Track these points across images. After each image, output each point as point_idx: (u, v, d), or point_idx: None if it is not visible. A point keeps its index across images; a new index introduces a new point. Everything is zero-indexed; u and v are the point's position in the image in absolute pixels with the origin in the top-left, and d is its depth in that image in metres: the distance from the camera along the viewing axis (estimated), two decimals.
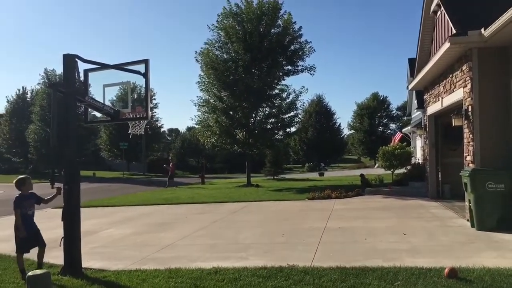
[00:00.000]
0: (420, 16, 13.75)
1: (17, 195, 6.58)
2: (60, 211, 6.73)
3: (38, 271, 5.14)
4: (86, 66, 7.51)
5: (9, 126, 55.53)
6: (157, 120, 59.97)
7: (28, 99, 57.69)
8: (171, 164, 29.13)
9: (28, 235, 6.48)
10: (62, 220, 6.63)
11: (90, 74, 7.71)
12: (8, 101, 57.46)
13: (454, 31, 9.63)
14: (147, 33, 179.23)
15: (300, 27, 24.55)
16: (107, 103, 7.64)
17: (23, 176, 6.91)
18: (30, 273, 5.09)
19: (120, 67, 7.13)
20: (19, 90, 58.06)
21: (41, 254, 6.67)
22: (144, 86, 7.30)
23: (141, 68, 7.11)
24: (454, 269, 5.57)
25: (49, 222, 11.79)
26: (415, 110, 27.91)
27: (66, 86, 6.59)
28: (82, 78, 7.56)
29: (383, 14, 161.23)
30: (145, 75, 6.98)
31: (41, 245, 6.66)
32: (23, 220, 6.48)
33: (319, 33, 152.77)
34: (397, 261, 6.38)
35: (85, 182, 34.71)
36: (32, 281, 4.96)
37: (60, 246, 6.61)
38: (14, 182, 6.71)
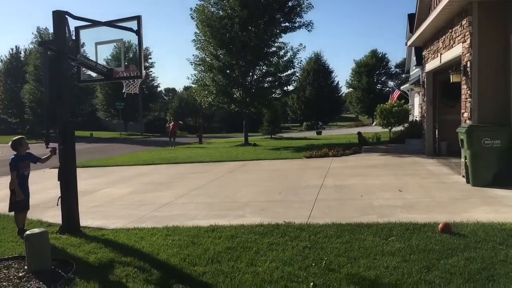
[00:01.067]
0: None
1: (13, 156, 6.57)
2: (57, 171, 6.73)
3: (36, 230, 5.16)
4: (77, 23, 7.34)
5: (4, 87, 55.01)
6: (153, 80, 59.51)
7: (22, 59, 56.88)
8: (172, 123, 29.03)
9: (25, 197, 6.56)
10: (58, 180, 6.64)
11: (82, 32, 7.51)
12: (1, 61, 56.68)
13: None
14: None
15: None
16: (102, 62, 7.50)
17: (18, 136, 6.91)
18: (28, 232, 5.12)
19: (112, 24, 6.95)
20: (12, 49, 57.15)
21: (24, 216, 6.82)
22: (137, 43, 7.13)
23: (133, 25, 6.91)
24: (448, 224, 5.63)
25: (47, 181, 11.85)
26: (414, 67, 27.59)
27: (56, 44, 6.43)
28: (74, 36, 7.40)
29: None
30: (138, 32, 6.80)
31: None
32: (20, 181, 6.52)
33: None
34: (392, 217, 6.45)
35: (82, 143, 34.78)
36: (30, 239, 4.99)
37: (57, 205, 6.65)
38: (9, 143, 6.69)
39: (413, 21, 15.89)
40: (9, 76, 54.89)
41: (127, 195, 9.95)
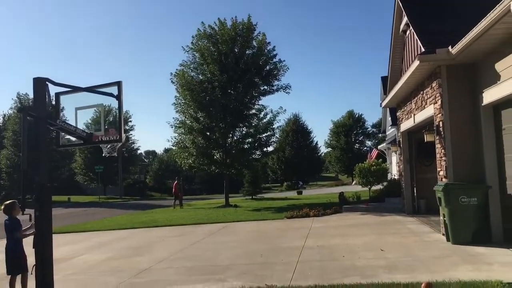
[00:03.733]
0: (390, 35, 14.09)
1: (7, 220, 6.72)
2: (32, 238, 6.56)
3: None
4: (58, 89, 7.43)
5: None
6: (133, 143, 59.41)
7: (0, 124, 56.52)
8: (175, 183, 28.60)
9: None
10: (33, 247, 6.44)
11: (62, 98, 7.57)
12: None
13: (423, 49, 9.88)
14: (121, 55, 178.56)
15: (274, 47, 24.85)
16: (82, 126, 7.51)
17: (11, 201, 7.00)
18: None
19: (92, 89, 7.04)
20: None
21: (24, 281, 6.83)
22: (117, 108, 7.22)
23: (114, 90, 7.01)
24: (430, 284, 5.61)
25: (27, 247, 11.45)
26: (390, 127, 28.35)
27: (36, 110, 6.46)
28: (54, 102, 7.47)
29: (357, 32, 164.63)
30: (118, 97, 6.89)
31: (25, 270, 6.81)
32: (18, 243, 6.71)
33: (293, 51, 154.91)
34: (374, 277, 6.40)
35: (60, 208, 34.01)
36: None
37: (31, 274, 6.41)
38: (2, 208, 6.86)
39: (386, 83, 16.54)
40: None
41: (105, 261, 9.66)
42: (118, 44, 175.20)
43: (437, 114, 9.75)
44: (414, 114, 12.15)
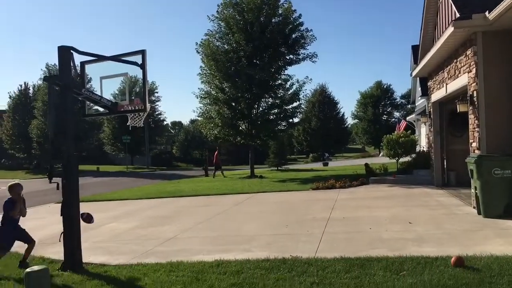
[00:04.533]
0: (423, 1, 13.50)
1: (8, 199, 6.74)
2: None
3: (36, 267, 5.04)
4: (83, 58, 7.40)
5: (12, 122, 55.52)
6: (160, 114, 59.94)
7: (30, 95, 57.63)
8: (215, 153, 28.62)
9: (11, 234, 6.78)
10: (61, 215, 6.55)
11: (89, 67, 7.57)
12: (10, 97, 57.43)
13: (458, 15, 9.41)
14: (148, 26, 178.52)
15: (300, 15, 24.30)
16: (109, 96, 7.51)
17: (14, 182, 7.02)
18: (28, 269, 5.00)
19: (116, 58, 7.00)
20: (21, 85, 58.00)
21: (28, 250, 6.93)
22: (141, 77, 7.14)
23: (138, 59, 6.96)
24: (461, 258, 5.44)
25: (52, 216, 11.72)
26: (419, 98, 27.63)
27: (61, 79, 6.45)
28: (79, 71, 7.44)
29: (385, 2, 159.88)
30: (142, 66, 6.83)
31: (30, 242, 6.91)
32: (10, 223, 6.72)
33: (321, 22, 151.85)
34: (402, 250, 6.25)
35: (89, 177, 34.79)
36: (30, 277, 4.86)
37: (60, 241, 6.54)
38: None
39: (417, 52, 15.97)
40: (18, 112, 55.50)
41: (132, 229, 9.80)
42: (144, 15, 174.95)
43: (471, 83, 9.35)
44: (446, 84, 11.72)
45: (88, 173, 40.37)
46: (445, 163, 13.79)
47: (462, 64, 10.08)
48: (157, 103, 58.26)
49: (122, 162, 56.02)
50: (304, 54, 24.77)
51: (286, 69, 25.27)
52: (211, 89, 24.97)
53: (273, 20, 24.18)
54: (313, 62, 25.11)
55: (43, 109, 48.83)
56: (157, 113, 58.70)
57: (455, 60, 10.74)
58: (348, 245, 6.96)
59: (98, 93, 7.36)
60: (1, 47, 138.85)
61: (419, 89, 27.06)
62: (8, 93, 64.47)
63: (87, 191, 20.71)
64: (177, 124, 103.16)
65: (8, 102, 57.49)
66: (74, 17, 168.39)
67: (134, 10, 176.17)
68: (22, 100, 56.58)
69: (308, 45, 24.71)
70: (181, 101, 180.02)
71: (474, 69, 9.09)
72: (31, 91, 58.29)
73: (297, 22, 24.22)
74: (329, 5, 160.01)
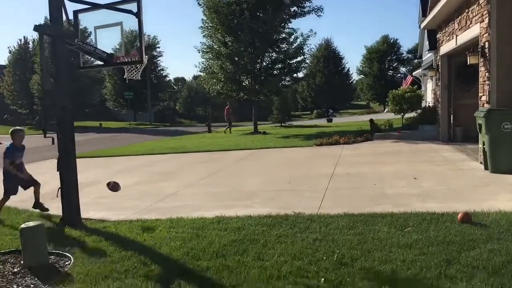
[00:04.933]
0: None
1: (9, 145, 6.79)
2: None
3: (31, 223, 4.91)
4: (76, 7, 7.03)
5: (13, 78, 54.91)
6: (162, 69, 59.15)
7: (30, 50, 56.70)
8: (226, 108, 28.29)
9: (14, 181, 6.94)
10: (57, 170, 6.39)
11: (83, 17, 7.20)
12: (10, 52, 56.53)
13: None
14: None
15: None
16: (110, 51, 7.19)
17: (17, 128, 7.18)
18: (23, 225, 4.87)
19: (110, 6, 6.62)
20: (20, 40, 57.01)
21: (37, 191, 7.18)
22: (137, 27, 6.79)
23: (133, 7, 6.58)
24: (467, 214, 5.28)
25: (53, 171, 11.61)
26: (427, 52, 26.89)
27: (52, 28, 6.12)
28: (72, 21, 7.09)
29: None
30: (138, 15, 6.46)
31: (35, 184, 7.16)
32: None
33: None
34: (407, 206, 6.11)
35: (92, 133, 34.76)
36: (25, 233, 4.74)
37: (57, 197, 6.42)
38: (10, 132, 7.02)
39: (425, 5, 15.44)
40: (18, 67, 54.80)
41: (132, 185, 9.68)
42: None
43: (483, 34, 8.94)
44: (456, 35, 11.26)
45: (91, 129, 40.30)
46: (451, 118, 13.50)
47: (474, 14, 9.62)
48: (159, 59, 57.43)
49: (125, 118, 55.78)
50: (310, 7, 24.02)
51: (290, 22, 24.63)
52: (213, 43, 24.41)
53: None
54: (318, 16, 24.38)
55: None
56: (159, 68, 57.96)
57: (466, 10, 10.26)
58: (352, 201, 6.82)
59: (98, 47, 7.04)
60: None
61: (427, 43, 26.27)
62: (8, 48, 63.36)
63: (89, 147, 20.65)
64: (180, 80, 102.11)
65: (8, 57, 56.68)
66: None
67: None
68: (22, 55, 55.73)
69: None
70: (184, 56, 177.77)
71: (487, 19, 8.66)
72: (31, 45, 57.30)
73: None
74: None
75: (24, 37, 58.50)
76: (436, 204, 6.19)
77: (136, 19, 6.60)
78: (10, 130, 7.12)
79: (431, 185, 7.61)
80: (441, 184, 7.67)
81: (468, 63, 9.74)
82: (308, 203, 6.77)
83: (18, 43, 56.84)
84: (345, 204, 6.52)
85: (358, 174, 9.14)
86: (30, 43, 57.43)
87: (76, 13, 7.08)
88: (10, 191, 6.96)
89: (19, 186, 7.05)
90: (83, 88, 46.59)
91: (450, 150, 11.72)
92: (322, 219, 5.73)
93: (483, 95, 9.16)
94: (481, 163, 8.97)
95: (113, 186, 6.75)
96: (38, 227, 4.84)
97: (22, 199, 7.52)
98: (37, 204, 7.20)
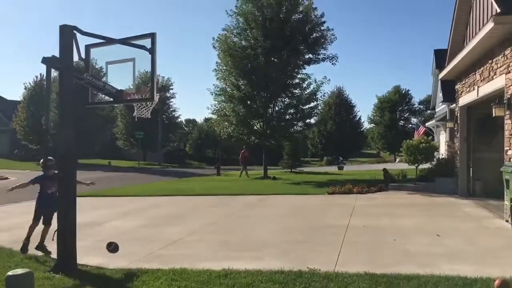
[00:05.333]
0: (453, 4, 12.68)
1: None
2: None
3: (20, 270, 4.44)
4: (88, 41, 6.81)
5: (26, 113, 55.44)
6: (174, 110, 59.47)
7: (45, 87, 57.56)
8: (243, 152, 27.86)
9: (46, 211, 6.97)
10: (57, 210, 5.96)
11: (93, 51, 6.97)
12: (26, 88, 57.39)
13: (498, 10, 8.62)
14: (163, 21, 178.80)
15: (323, 13, 23.59)
16: (120, 87, 6.90)
17: (47, 158, 7.30)
18: (9, 273, 4.40)
19: (124, 41, 6.38)
20: (36, 77, 57.85)
21: (45, 231, 6.95)
22: (150, 64, 6.51)
23: (147, 43, 6.34)
24: (505, 281, 4.72)
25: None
26: (440, 103, 26.65)
27: (61, 61, 5.85)
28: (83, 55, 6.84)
29: (407, 4, 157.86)
30: (151, 51, 6.21)
31: (47, 224, 6.98)
32: (42, 198, 7.09)
33: (340, 23, 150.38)
34: (433, 267, 5.55)
35: (100, 171, 34.43)
36: (11, 282, 4.26)
37: (53, 240, 5.95)
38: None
39: (440, 57, 15.34)
40: (32, 103, 55.41)
41: (136, 228, 9.19)
42: (158, 10, 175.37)
43: (510, 86, 8.57)
44: (478, 87, 10.91)
45: (99, 167, 40.06)
46: (471, 171, 12.97)
47: (498, 65, 9.29)
48: (172, 100, 57.85)
49: (135, 157, 55.59)
50: (324, 55, 24.03)
51: (304, 68, 24.57)
52: (226, 86, 24.33)
53: (293, 17, 23.46)
54: (333, 64, 24.33)
55: (57, 101, 48.70)
56: (171, 109, 58.30)
57: (490, 61, 9.95)
58: (371, 257, 6.26)
59: (105, 80, 6.77)
60: (19, 39, 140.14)
61: (441, 94, 26.10)
62: (24, 84, 64.42)
63: (96, 185, 20.20)
64: (191, 122, 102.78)
65: (24, 93, 57.46)
66: (89, 9, 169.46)
67: (148, 4, 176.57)
68: (37, 91, 56.48)
69: (329, 44, 23.95)
70: (196, 98, 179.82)
71: None
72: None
73: (319, 21, 23.47)
74: (347, 6, 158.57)
75: (40, 74, 59.46)
76: (466, 266, 5.61)
77: (150, 55, 6.35)
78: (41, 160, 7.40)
79: (456, 243, 7.04)
80: (467, 243, 7.08)
81: (494, 115, 9.31)
82: (323, 258, 6.23)
83: (34, 79, 57.73)
84: (364, 260, 5.97)
85: (376, 227, 8.58)
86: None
87: (88, 47, 6.85)
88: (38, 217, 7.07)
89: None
90: (96, 127, 46.71)
91: (471, 206, 11.12)
92: (340, 278, 5.19)
93: (510, 148, 8.69)
94: (507, 221, 8.40)
95: (114, 248, 6.28)
96: (27, 275, 4.37)
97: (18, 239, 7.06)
98: (41, 246, 6.90)
